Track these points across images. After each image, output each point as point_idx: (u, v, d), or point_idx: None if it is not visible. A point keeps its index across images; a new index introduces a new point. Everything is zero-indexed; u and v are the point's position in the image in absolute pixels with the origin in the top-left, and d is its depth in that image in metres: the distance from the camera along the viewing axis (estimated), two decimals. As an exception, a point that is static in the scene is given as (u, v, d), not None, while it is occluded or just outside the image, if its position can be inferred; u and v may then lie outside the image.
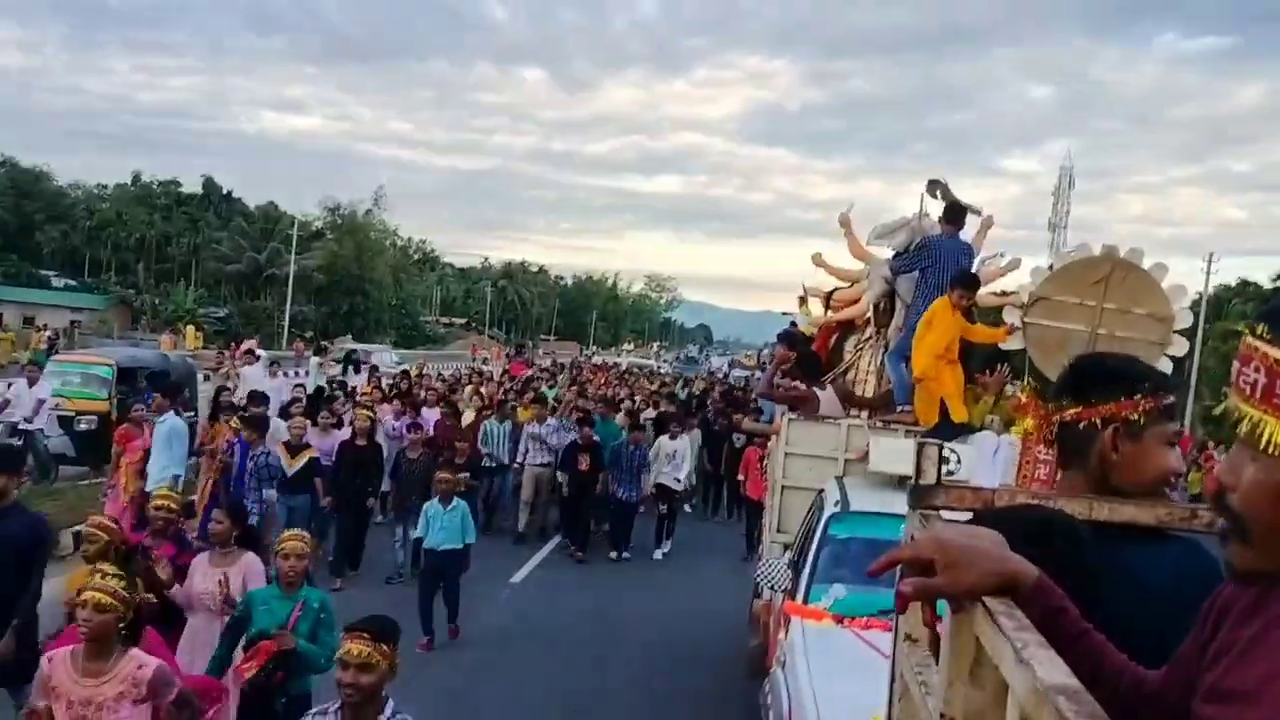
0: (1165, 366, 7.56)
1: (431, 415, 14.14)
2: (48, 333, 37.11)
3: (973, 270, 8.38)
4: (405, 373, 23.03)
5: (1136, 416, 1.93)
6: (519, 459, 14.07)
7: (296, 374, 18.70)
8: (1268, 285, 45.05)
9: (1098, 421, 1.96)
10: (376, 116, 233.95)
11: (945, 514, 1.71)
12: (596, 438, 13.75)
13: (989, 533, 1.37)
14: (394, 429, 13.19)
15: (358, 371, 22.19)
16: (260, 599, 5.56)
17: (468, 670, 8.66)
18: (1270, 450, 0.95)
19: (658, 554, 13.82)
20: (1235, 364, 1.02)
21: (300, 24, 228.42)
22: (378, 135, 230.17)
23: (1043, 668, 0.94)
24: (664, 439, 14.59)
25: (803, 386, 8.72)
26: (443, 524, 9.34)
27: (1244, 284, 47.43)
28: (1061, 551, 1.49)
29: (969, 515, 1.67)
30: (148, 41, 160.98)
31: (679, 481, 14.33)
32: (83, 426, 14.88)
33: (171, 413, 11.10)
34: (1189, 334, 8.20)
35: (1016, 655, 0.98)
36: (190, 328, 50.16)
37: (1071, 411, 2.00)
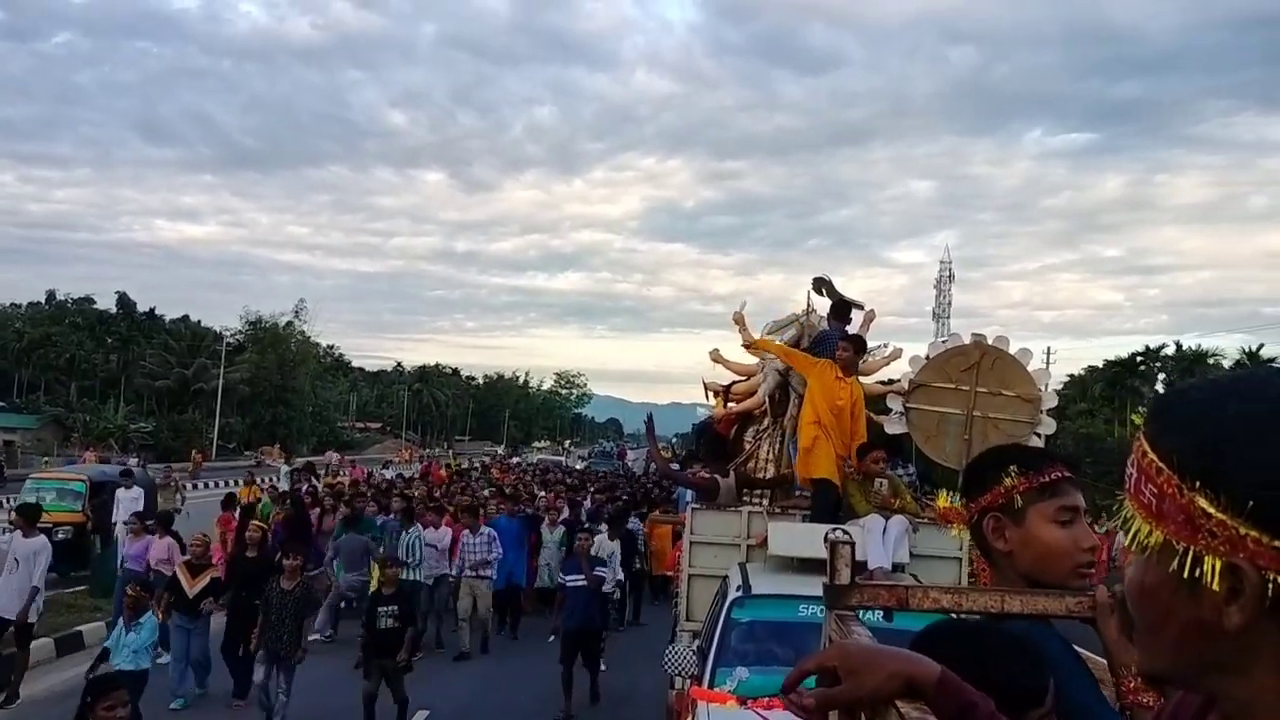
0: (1036, 445, 7.65)
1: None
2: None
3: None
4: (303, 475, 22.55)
5: (1010, 500, 1.84)
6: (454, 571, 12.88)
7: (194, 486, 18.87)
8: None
9: (979, 515, 1.89)
10: (275, 223, 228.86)
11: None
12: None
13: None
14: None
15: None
16: None
17: None
18: (1135, 547, 0.89)
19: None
20: None
21: (193, 135, 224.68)
22: (277, 241, 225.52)
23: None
24: (602, 539, 12.95)
25: (706, 474, 8.71)
26: (124, 642, 8.15)
27: (1109, 364, 48.98)
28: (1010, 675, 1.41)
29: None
30: (35, 153, 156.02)
31: (617, 585, 13.08)
32: (60, 537, 15.13)
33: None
34: (1054, 414, 8.38)
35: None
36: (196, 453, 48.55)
37: (964, 512, 1.94)
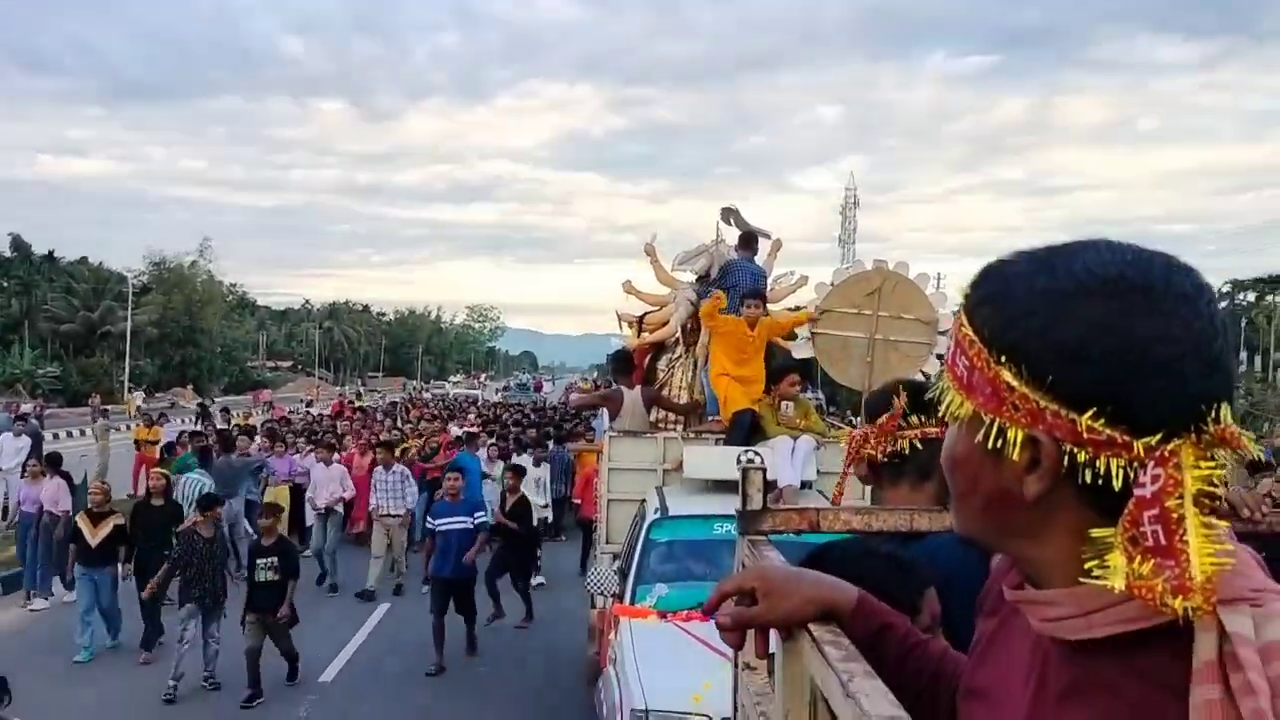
0: (933, 366, 7.86)
1: None
2: None
3: (766, 288, 8.60)
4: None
5: None
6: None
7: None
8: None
9: None
10: (170, 156, 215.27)
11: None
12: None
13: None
14: None
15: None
16: None
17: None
18: (948, 418, 0.91)
19: (535, 580, 11.90)
20: None
21: (76, 65, 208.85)
22: (173, 175, 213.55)
23: (869, 700, 0.86)
24: (532, 466, 13.20)
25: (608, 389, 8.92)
26: None
27: None
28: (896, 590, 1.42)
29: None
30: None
31: (545, 508, 13.33)
32: None
33: None
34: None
35: (843, 688, 0.90)
36: (136, 395, 46.60)
37: (935, 430, 1.92)
